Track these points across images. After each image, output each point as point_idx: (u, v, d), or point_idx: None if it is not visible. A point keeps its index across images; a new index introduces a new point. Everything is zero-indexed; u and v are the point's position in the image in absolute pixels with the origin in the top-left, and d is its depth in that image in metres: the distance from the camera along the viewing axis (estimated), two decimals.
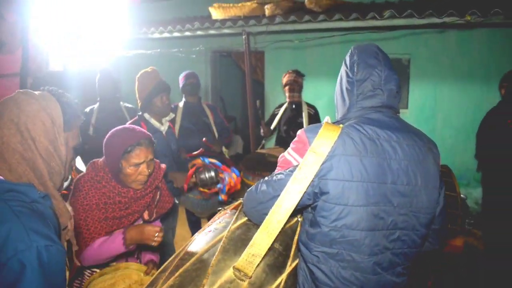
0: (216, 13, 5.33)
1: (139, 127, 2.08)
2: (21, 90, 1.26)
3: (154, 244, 1.91)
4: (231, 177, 2.64)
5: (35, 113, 1.22)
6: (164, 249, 3.20)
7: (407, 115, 5.44)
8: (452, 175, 3.38)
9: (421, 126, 1.56)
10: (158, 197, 2.25)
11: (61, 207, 1.29)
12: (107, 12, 6.17)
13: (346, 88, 1.51)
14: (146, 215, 2.19)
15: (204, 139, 3.80)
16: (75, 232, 1.95)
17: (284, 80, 4.42)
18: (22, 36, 3.00)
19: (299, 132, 1.50)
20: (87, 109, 3.98)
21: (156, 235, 1.89)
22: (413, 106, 5.51)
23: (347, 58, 1.56)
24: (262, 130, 4.44)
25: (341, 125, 1.42)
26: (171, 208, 2.41)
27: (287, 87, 4.38)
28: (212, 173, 2.54)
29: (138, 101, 3.18)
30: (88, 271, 2.17)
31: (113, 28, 6.15)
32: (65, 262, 1.18)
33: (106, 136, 2.01)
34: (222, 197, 2.68)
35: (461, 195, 3.43)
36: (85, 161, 3.75)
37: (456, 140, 5.25)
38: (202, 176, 2.55)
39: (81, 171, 2.52)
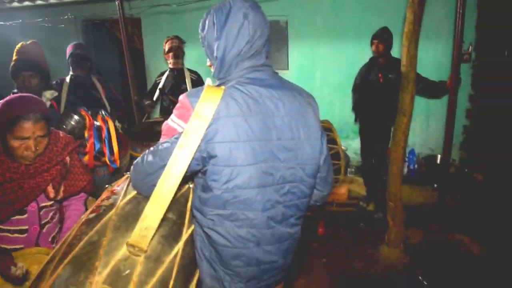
0: None
1: (38, 98, 1.90)
2: None
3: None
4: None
5: None
6: None
7: (288, 75, 5.66)
8: (333, 129, 3.63)
9: (301, 86, 1.61)
10: (64, 174, 2.06)
11: None
12: None
13: (224, 50, 1.47)
14: (51, 193, 2.02)
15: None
16: None
17: (167, 46, 4.25)
18: None
19: (180, 97, 1.44)
20: None
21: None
22: (293, 66, 5.74)
23: (219, 18, 1.47)
24: (145, 100, 4.28)
25: (222, 87, 1.41)
26: (88, 186, 2.22)
27: (171, 54, 4.22)
28: (75, 116, 2.23)
29: None
30: None
31: None
32: None
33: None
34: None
35: (342, 147, 3.70)
36: None
37: (334, 96, 5.62)
38: (69, 127, 2.24)
39: None
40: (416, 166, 5.41)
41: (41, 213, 2.04)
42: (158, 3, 4.90)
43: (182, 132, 1.36)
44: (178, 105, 1.45)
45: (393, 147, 3.59)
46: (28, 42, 2.96)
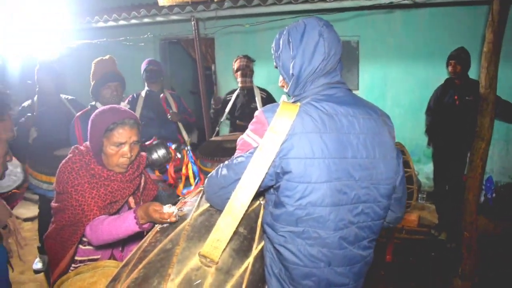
0: None
1: (125, 107, 2.00)
2: None
3: (170, 221, 1.60)
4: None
5: None
6: None
7: (358, 95, 5.55)
8: (406, 152, 3.50)
9: None
10: (143, 184, 2.17)
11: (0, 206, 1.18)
12: (46, 2, 5.87)
13: (300, 67, 1.48)
14: (132, 203, 2.10)
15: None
16: (65, 221, 1.86)
17: (236, 65, 4.36)
18: None
19: (257, 112, 1.47)
20: (25, 104, 3.76)
21: (165, 217, 1.58)
22: (363, 86, 5.64)
23: (294, 37, 1.49)
24: (213, 101, 4.37)
25: (298, 103, 1.41)
26: (156, 196, 2.31)
27: (239, 73, 4.33)
28: (163, 150, 2.34)
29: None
30: (74, 266, 2.04)
31: (53, 17, 5.86)
32: (7, 261, 1.09)
33: (92, 114, 1.93)
34: (170, 176, 2.52)
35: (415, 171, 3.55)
36: (32, 165, 3.56)
37: (405, 118, 5.43)
38: (154, 156, 2.35)
39: None
40: (494, 194, 5.04)
41: None
42: (232, 23, 5.05)
43: (257, 147, 1.38)
44: (254, 120, 1.48)
45: (469, 173, 3.38)
46: (105, 57, 3.16)
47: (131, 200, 2.10)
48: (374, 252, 1.58)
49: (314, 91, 1.47)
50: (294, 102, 1.48)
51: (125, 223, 1.76)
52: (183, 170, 2.47)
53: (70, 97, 4.00)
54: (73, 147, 2.02)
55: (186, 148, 2.44)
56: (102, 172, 1.91)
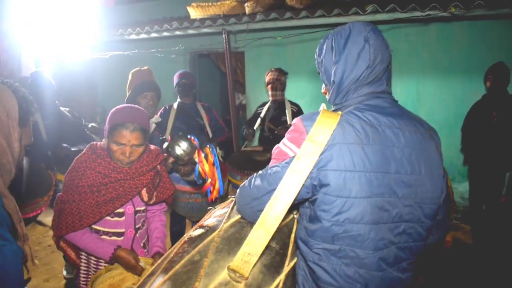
0: (195, 13, 5.22)
1: (142, 111, 2.13)
2: None
3: (136, 275, 2.00)
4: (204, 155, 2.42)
5: None
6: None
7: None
8: (443, 168, 3.35)
9: None
10: (158, 181, 2.24)
11: (12, 207, 1.16)
12: (80, 15, 6.03)
13: (342, 74, 1.40)
14: (145, 197, 2.19)
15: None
16: (60, 214, 2.01)
17: (267, 78, 4.32)
18: None
19: (295, 120, 1.39)
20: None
21: (139, 273, 1.97)
22: None
23: (338, 41, 1.41)
24: (245, 133, 4.32)
25: (339, 112, 1.33)
26: (172, 196, 2.38)
27: (269, 86, 4.28)
28: (185, 143, 2.30)
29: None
30: (84, 264, 2.19)
31: (87, 30, 6.00)
32: (22, 262, 1.06)
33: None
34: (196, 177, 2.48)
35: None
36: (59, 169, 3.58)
37: (440, 135, 5.14)
38: (178, 151, 2.32)
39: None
40: None
41: (136, 217, 2.21)
42: (262, 36, 5.03)
43: (293, 157, 1.30)
44: (291, 128, 1.40)
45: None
46: (143, 68, 3.18)
47: (144, 193, 2.18)
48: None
49: (357, 100, 1.38)
50: (335, 111, 1.40)
51: (102, 250, 2.01)
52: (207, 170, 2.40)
53: (67, 108, 4.07)
54: (89, 143, 2.18)
55: (208, 146, 2.37)
56: (109, 164, 2.05)
